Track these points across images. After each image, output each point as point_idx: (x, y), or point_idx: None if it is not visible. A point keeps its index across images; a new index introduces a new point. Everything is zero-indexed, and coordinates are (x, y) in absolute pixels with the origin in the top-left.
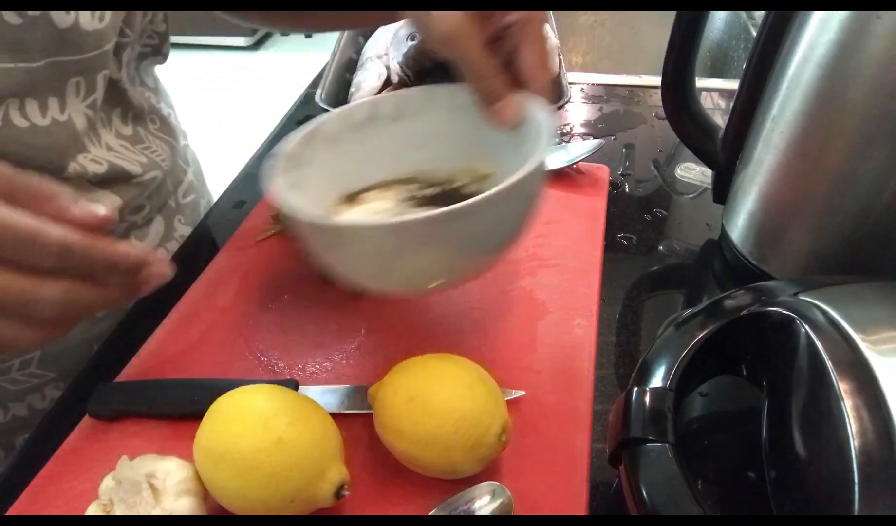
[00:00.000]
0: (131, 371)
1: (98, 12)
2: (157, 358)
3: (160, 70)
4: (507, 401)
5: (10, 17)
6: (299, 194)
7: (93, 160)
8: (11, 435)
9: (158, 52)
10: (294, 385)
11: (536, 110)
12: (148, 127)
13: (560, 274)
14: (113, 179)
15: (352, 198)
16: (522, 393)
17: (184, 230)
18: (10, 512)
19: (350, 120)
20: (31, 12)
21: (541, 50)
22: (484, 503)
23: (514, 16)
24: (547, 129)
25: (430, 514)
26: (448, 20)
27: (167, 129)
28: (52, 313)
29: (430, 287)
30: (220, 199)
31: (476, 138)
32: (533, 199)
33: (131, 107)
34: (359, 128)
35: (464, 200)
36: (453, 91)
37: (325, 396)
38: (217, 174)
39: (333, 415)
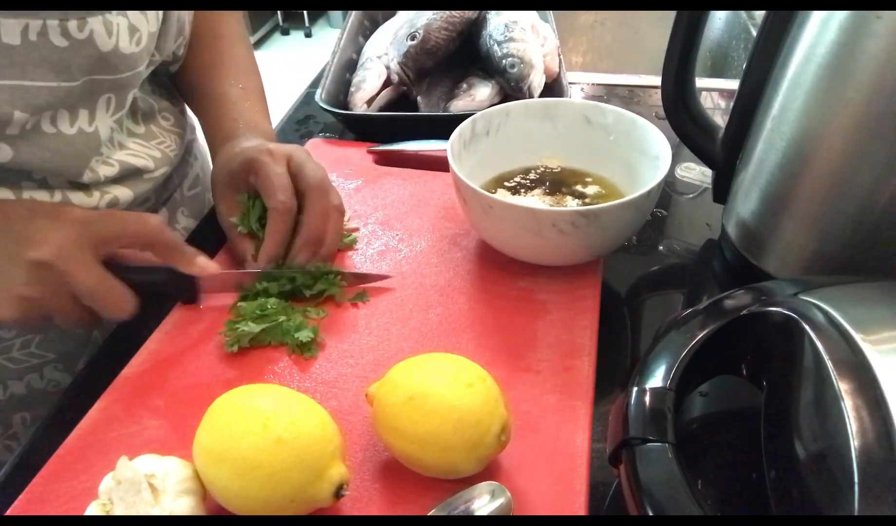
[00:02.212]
0: (132, 370)
1: (135, 37)
2: (157, 356)
3: None
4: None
5: (58, 40)
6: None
7: (104, 163)
8: (9, 412)
9: (167, 71)
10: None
11: (654, 133)
12: (160, 124)
13: (560, 274)
14: (124, 177)
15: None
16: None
17: (186, 222)
18: (10, 512)
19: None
20: (77, 36)
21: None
22: (483, 503)
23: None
24: (665, 153)
25: (429, 514)
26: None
27: (180, 123)
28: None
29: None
30: None
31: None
32: (647, 212)
33: (138, 108)
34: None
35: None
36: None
37: None
38: None
39: (333, 415)
